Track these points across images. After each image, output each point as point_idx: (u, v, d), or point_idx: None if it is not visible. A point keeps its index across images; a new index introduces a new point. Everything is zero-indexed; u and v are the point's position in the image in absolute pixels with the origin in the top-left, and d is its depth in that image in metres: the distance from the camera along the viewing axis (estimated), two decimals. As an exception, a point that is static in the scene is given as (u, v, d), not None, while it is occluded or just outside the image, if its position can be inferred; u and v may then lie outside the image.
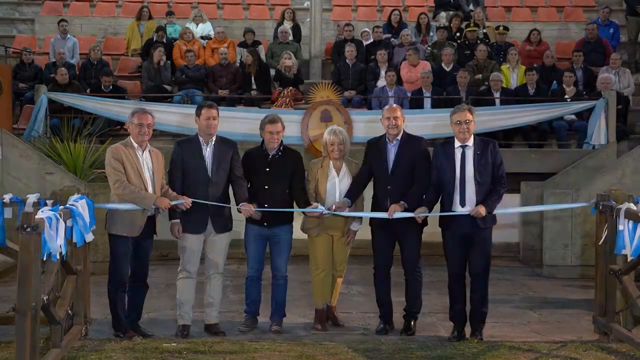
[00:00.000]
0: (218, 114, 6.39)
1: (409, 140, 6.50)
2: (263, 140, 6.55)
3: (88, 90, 11.37)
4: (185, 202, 6.11)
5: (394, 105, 6.91)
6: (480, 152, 6.13)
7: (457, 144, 6.18)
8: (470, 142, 6.16)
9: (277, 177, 6.45)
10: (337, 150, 6.56)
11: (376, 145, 6.53)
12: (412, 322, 6.61)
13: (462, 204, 6.11)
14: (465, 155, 6.15)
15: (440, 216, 6.22)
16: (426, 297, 6.76)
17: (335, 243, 6.71)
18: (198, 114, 6.36)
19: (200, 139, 6.35)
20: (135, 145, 6.09)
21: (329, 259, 6.70)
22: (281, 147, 6.51)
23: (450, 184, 6.16)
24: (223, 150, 6.37)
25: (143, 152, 6.12)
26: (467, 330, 6.40)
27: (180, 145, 6.40)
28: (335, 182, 6.60)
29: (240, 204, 6.31)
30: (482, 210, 6.02)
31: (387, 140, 6.48)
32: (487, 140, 6.29)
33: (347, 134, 6.76)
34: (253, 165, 6.48)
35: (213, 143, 6.35)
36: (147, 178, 6.09)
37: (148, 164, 6.13)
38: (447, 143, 6.31)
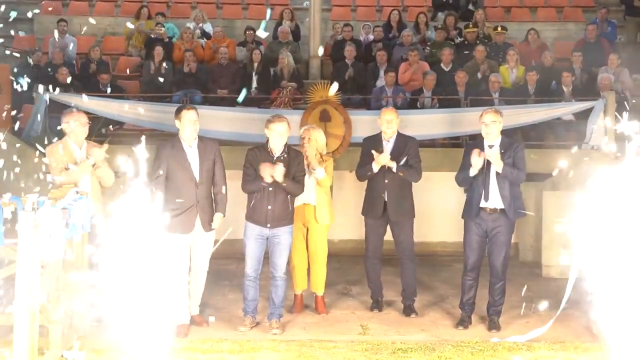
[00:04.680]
0: (198, 116, 6.51)
1: (402, 139, 7.15)
2: (267, 140, 6.58)
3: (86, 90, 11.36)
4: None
5: (390, 107, 7.60)
6: (504, 151, 6.53)
7: (485, 142, 6.58)
8: (497, 142, 6.58)
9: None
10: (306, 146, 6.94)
11: (373, 142, 7.13)
12: (411, 304, 7.16)
13: (486, 198, 6.54)
14: None
15: (466, 209, 6.69)
16: (425, 296, 6.79)
17: (310, 232, 7.08)
18: (178, 116, 6.50)
19: (182, 141, 6.48)
20: (73, 143, 6.42)
21: (303, 248, 7.09)
22: (286, 148, 6.55)
23: (478, 180, 6.55)
24: (207, 151, 6.51)
25: (80, 149, 6.45)
26: (474, 319, 6.78)
27: (163, 145, 6.59)
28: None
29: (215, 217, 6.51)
30: (497, 157, 6.39)
31: (383, 138, 7.10)
32: (512, 141, 6.79)
33: (318, 132, 7.11)
34: (259, 164, 6.49)
35: (196, 144, 6.50)
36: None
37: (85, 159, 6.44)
38: (477, 142, 6.74)
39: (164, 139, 10.22)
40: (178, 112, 6.54)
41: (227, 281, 7.70)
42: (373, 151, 6.90)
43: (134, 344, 5.68)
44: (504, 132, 10.63)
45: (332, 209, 7.22)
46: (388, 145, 7.08)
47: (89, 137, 9.71)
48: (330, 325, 6.80)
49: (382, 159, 6.89)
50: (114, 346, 5.78)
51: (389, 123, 7.04)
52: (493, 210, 6.54)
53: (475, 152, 6.48)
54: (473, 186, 6.61)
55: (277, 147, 6.51)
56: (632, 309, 5.13)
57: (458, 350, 5.96)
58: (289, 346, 6.00)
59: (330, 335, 6.44)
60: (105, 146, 6.50)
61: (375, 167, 6.95)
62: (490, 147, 6.54)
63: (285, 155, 6.52)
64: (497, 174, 6.51)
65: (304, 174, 6.72)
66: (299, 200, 6.93)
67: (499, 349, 6.01)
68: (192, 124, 6.45)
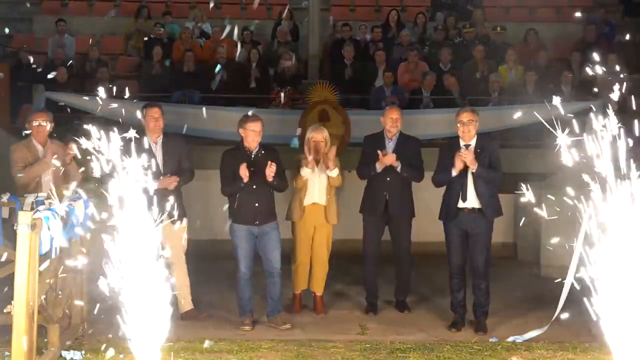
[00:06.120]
0: (162, 114, 6.77)
1: (404, 138, 7.15)
2: (242, 140, 6.64)
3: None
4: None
5: (395, 106, 7.55)
6: (480, 150, 6.48)
7: (461, 142, 6.55)
8: (473, 141, 6.53)
9: (263, 175, 6.50)
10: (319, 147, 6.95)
11: (375, 140, 7.14)
12: (404, 300, 7.26)
13: (464, 198, 6.50)
14: None
15: (444, 210, 6.64)
16: (424, 296, 6.80)
17: (316, 232, 7.06)
18: (142, 114, 6.77)
19: (148, 137, 6.58)
20: (36, 142, 6.66)
21: (308, 248, 7.08)
22: (260, 146, 6.64)
23: (455, 180, 6.50)
24: (172, 147, 6.76)
25: (43, 147, 6.66)
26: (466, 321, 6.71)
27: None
28: (312, 176, 6.96)
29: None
30: (472, 157, 6.34)
31: (385, 136, 7.07)
32: (488, 141, 6.77)
33: (326, 133, 7.11)
34: (236, 165, 6.51)
35: (161, 140, 6.76)
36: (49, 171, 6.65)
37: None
38: (453, 142, 6.67)
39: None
40: (142, 110, 6.80)
41: (225, 280, 7.69)
42: (379, 152, 6.91)
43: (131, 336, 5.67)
44: (503, 131, 10.78)
45: (337, 209, 7.20)
46: (390, 144, 7.09)
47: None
48: (329, 325, 6.81)
49: (387, 160, 6.90)
50: (111, 346, 5.79)
51: (394, 122, 7.04)
52: (471, 210, 6.52)
53: (458, 153, 6.44)
54: (450, 187, 6.59)
55: (253, 146, 6.58)
56: (632, 308, 5.13)
57: (456, 350, 5.96)
58: (288, 346, 6.00)
59: (329, 335, 6.44)
60: (72, 145, 6.42)
61: (379, 167, 6.96)
62: (467, 146, 6.51)
63: (263, 152, 6.60)
64: (473, 173, 6.48)
65: (284, 170, 6.77)
66: (308, 200, 6.99)
67: (497, 349, 6.01)
68: (154, 120, 6.70)
